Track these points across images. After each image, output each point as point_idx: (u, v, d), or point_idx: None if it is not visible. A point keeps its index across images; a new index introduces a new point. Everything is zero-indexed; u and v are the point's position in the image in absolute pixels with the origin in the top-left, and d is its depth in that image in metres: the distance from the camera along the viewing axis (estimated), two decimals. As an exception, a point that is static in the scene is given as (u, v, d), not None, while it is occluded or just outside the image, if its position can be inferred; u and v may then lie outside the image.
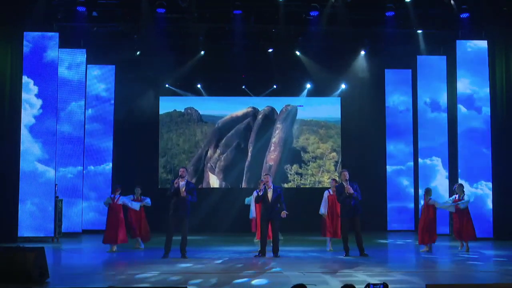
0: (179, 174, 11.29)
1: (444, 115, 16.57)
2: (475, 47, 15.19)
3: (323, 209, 12.58)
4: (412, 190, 17.37)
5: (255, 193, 12.20)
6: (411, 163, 17.51)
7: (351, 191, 11.52)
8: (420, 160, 16.75)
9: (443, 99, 16.58)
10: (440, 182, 16.27)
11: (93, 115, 17.01)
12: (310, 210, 16.77)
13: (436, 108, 16.61)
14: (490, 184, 14.88)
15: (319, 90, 18.35)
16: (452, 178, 15.88)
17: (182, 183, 11.12)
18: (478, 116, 15.10)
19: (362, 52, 17.17)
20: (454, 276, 9.64)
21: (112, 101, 17.24)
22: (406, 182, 17.47)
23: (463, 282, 8.45)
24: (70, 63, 15.86)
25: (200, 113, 18.42)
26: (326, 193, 12.71)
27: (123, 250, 12.83)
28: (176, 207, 11.08)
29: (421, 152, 16.80)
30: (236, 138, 18.76)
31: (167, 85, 18.01)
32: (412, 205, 17.23)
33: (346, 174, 11.70)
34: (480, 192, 14.85)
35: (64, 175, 15.60)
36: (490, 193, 14.87)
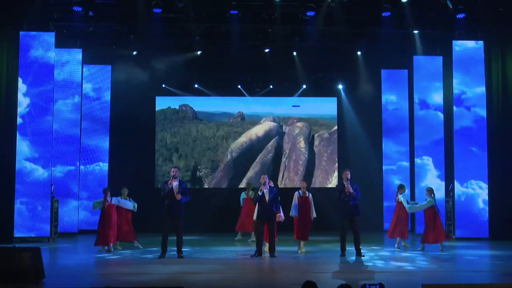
0: (172, 174, 11.22)
1: (438, 115, 16.57)
2: (471, 47, 15.21)
3: (293, 211, 12.41)
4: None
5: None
6: (401, 163, 17.52)
7: (351, 190, 11.53)
8: (407, 162, 17.08)
9: (438, 99, 16.59)
10: (431, 182, 16.24)
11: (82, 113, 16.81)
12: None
13: (431, 108, 16.62)
14: (481, 183, 14.89)
15: (315, 90, 18.36)
16: (448, 177, 15.91)
17: (175, 183, 11.08)
18: (473, 116, 15.11)
19: (359, 52, 17.17)
20: (450, 276, 9.66)
21: (102, 100, 17.13)
22: (397, 182, 17.47)
23: (459, 282, 8.46)
24: (65, 62, 15.82)
25: (195, 110, 18.31)
26: (296, 195, 12.47)
27: (121, 250, 12.81)
28: (171, 208, 11.05)
29: (414, 151, 16.96)
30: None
31: (163, 85, 17.99)
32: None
33: (348, 173, 11.73)
34: (471, 191, 14.86)
35: (53, 174, 15.13)
36: (482, 192, 14.86)
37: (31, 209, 13.95)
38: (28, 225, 13.92)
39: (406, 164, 17.50)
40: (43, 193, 14.11)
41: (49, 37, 14.41)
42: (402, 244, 13.04)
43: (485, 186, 14.88)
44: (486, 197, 14.84)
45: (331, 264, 10.63)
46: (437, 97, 16.52)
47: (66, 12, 14.60)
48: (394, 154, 17.61)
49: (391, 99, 17.82)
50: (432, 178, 16.26)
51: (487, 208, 14.81)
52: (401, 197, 13.00)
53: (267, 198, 11.49)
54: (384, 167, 17.68)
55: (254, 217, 11.90)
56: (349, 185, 11.58)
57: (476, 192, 14.88)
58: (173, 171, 11.20)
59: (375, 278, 8.80)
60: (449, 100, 15.65)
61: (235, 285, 8.45)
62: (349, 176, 11.68)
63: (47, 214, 14.05)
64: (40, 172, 14.10)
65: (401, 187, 13.32)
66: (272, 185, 12.25)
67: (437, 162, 16.30)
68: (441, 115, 16.42)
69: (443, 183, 16.23)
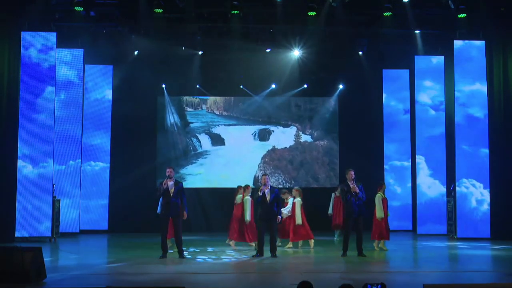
0: (167, 174, 11.19)
1: (434, 114, 16.59)
2: (473, 47, 15.19)
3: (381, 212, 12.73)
4: (396, 188, 17.36)
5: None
6: (393, 162, 17.52)
7: (357, 190, 11.52)
8: (399, 161, 17.30)
9: (439, 99, 16.61)
10: (423, 180, 16.33)
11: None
12: (309, 210, 16.84)
13: (429, 108, 16.63)
14: (473, 181, 14.87)
15: (316, 90, 18.35)
16: (449, 177, 15.93)
17: (170, 183, 11.07)
18: (471, 115, 15.08)
19: (360, 52, 17.17)
20: (451, 276, 9.67)
21: (103, 100, 17.11)
22: (391, 181, 17.49)
23: (460, 282, 8.46)
24: (67, 62, 15.86)
25: (196, 110, 18.34)
26: (380, 197, 12.80)
27: (123, 250, 12.84)
28: (167, 208, 11.05)
29: (406, 151, 17.28)
30: None
31: (163, 85, 17.99)
32: (397, 204, 17.23)
33: (352, 173, 11.67)
34: (465, 190, 14.84)
35: (46, 172, 14.56)
36: (475, 191, 14.83)
37: (22, 208, 13.85)
38: (28, 225, 13.87)
39: (398, 163, 17.54)
40: (33, 192, 13.98)
41: (51, 37, 14.45)
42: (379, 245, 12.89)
43: (478, 185, 14.88)
44: (480, 196, 14.83)
45: (332, 264, 10.63)
46: (437, 97, 16.59)
47: (67, 12, 14.64)
48: (388, 154, 17.63)
49: (399, 99, 17.79)
50: (424, 177, 16.31)
51: (480, 207, 14.79)
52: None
53: (268, 198, 11.48)
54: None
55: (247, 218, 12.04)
56: (355, 185, 11.57)
57: (470, 191, 14.86)
58: (168, 171, 11.20)
59: (377, 278, 8.79)
60: (451, 99, 15.63)
61: (235, 285, 8.45)
62: (353, 176, 11.65)
63: (43, 214, 13.91)
64: (29, 169, 14.03)
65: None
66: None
67: (430, 161, 16.34)
68: (437, 114, 16.47)
69: (436, 181, 16.31)
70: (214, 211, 17.44)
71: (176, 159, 17.96)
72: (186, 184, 15.35)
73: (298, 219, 12.96)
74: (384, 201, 12.81)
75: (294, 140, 18.46)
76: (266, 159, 18.28)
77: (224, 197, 17.14)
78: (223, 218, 16.90)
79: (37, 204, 13.98)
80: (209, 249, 12.77)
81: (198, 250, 12.47)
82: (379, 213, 12.64)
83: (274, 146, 18.38)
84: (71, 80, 16.00)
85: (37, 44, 14.36)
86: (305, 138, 18.46)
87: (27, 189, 13.97)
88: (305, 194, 16.34)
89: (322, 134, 18.49)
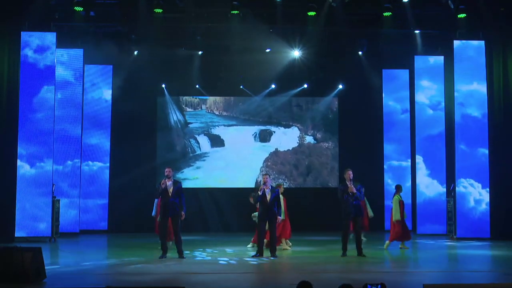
0: (165, 174, 11.16)
1: (432, 114, 16.59)
2: (472, 47, 15.18)
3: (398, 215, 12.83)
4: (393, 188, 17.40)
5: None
6: (391, 162, 17.59)
7: (354, 190, 11.51)
8: (397, 161, 17.42)
9: (438, 98, 16.61)
10: (421, 180, 16.35)
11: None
12: (309, 210, 16.86)
13: (431, 108, 16.64)
14: (472, 181, 14.88)
15: (316, 90, 18.34)
16: (448, 177, 15.95)
17: (169, 183, 11.05)
18: (470, 115, 15.07)
19: (360, 52, 17.17)
20: (451, 276, 9.67)
21: (102, 100, 17.16)
22: (389, 181, 17.48)
23: (460, 282, 8.46)
24: (66, 62, 15.87)
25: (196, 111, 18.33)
26: (398, 199, 12.89)
27: (123, 250, 12.83)
28: (166, 208, 11.04)
29: (404, 151, 17.38)
30: None
31: (163, 85, 17.98)
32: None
33: (350, 173, 11.64)
34: (463, 190, 14.83)
35: (44, 171, 14.37)
36: (473, 190, 14.84)
37: (21, 208, 13.81)
38: (28, 225, 13.85)
39: (396, 163, 17.56)
40: (33, 191, 13.96)
41: (51, 37, 14.46)
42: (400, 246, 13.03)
43: (477, 185, 14.88)
44: (478, 196, 14.83)
45: (332, 264, 10.63)
46: (435, 97, 16.59)
47: (67, 12, 14.64)
48: (387, 153, 17.64)
49: (392, 98, 17.81)
50: (421, 177, 16.33)
51: (479, 207, 14.80)
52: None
53: (268, 198, 11.47)
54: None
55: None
56: (352, 185, 11.57)
57: (468, 190, 14.85)
58: (167, 171, 11.16)
59: (377, 278, 8.79)
60: (451, 99, 15.63)
61: (235, 285, 8.45)
62: (351, 176, 11.65)
63: (43, 214, 13.88)
64: (26, 169, 14.01)
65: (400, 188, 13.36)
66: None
67: (428, 161, 16.35)
68: (436, 114, 16.48)
69: (434, 181, 16.32)
70: (214, 211, 17.44)
71: (175, 162, 17.83)
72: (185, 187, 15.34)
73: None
74: (401, 203, 12.89)
75: (297, 142, 18.37)
76: (269, 163, 18.18)
77: (228, 196, 17.23)
78: (227, 218, 17.03)
79: (36, 204, 13.95)
80: (228, 250, 12.68)
81: (216, 251, 12.45)
82: (395, 215, 12.73)
83: (276, 148, 18.31)
84: (71, 80, 16.01)
85: (37, 44, 14.37)
86: (308, 139, 18.40)
87: (26, 189, 13.96)
88: (310, 194, 16.40)
89: (327, 135, 18.42)
